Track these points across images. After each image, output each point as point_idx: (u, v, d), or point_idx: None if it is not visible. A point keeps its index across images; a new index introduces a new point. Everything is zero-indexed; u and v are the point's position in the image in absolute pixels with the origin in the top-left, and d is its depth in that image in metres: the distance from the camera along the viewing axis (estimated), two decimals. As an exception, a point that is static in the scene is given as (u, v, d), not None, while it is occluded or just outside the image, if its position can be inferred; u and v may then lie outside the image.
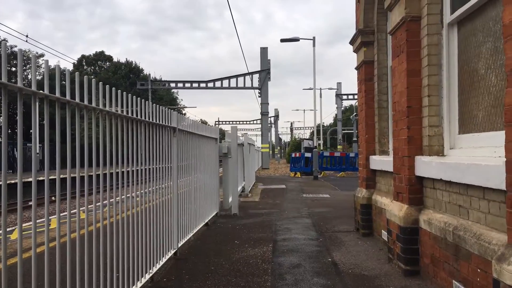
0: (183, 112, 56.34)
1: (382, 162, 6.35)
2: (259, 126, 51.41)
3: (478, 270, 3.30)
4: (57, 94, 2.63)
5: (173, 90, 64.67)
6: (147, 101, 4.29)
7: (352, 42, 7.72)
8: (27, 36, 23.12)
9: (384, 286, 4.32)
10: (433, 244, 4.17)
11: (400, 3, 4.80)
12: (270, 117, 52.92)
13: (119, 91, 3.57)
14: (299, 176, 24.16)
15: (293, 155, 26.98)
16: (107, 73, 56.32)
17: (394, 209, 4.93)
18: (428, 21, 4.48)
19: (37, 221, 2.49)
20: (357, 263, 5.19)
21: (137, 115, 4.02)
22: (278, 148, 76.18)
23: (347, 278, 4.58)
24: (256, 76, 35.29)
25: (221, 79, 35.22)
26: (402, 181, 4.81)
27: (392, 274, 4.70)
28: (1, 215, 2.13)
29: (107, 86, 3.38)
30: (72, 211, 2.93)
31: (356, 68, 7.72)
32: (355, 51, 7.64)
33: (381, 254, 5.58)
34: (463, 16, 4.09)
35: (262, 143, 36.66)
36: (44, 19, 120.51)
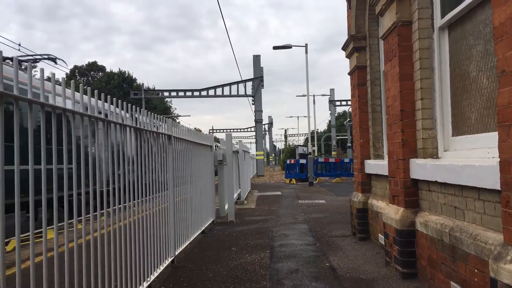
0: (177, 120, 56.33)
1: (377, 166, 6.38)
2: (253, 133, 51.48)
3: (476, 271, 3.33)
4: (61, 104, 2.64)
5: (166, 99, 64.72)
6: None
7: (344, 48, 7.78)
8: (19, 45, 23.09)
9: (383, 289, 4.33)
10: (430, 246, 4.19)
11: (391, 8, 4.87)
12: (264, 124, 53.00)
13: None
14: (294, 182, 24.18)
15: (288, 161, 26.99)
16: (100, 83, 56.22)
17: (390, 212, 4.95)
18: (419, 25, 4.54)
19: (35, 231, 2.48)
20: (354, 267, 5.20)
21: (136, 124, 4.04)
22: (273, 155, 76.22)
23: (345, 282, 4.59)
24: (249, 84, 35.41)
25: (215, 87, 35.27)
26: (398, 184, 4.84)
27: (390, 277, 4.71)
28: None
29: (114, 98, 3.40)
30: (69, 221, 2.92)
31: (349, 74, 7.79)
32: (348, 56, 7.70)
33: (378, 257, 5.59)
34: (453, 20, 4.15)
35: (256, 151, 36.69)
36: (37, 30, 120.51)
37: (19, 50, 25.23)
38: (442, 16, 4.35)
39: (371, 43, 6.99)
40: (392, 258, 4.93)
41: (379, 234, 5.97)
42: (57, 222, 2.70)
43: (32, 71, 2.62)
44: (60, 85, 2.89)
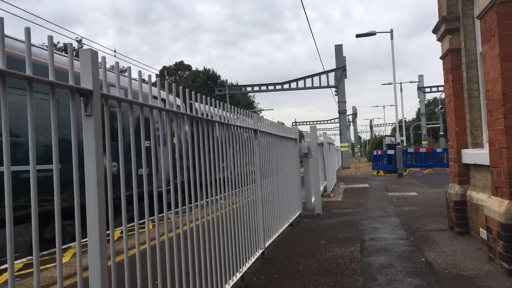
0: (261, 114, 57.25)
1: (476, 155, 5.94)
2: (337, 125, 50.58)
3: None
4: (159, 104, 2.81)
5: (249, 94, 65.95)
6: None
7: (435, 31, 7.33)
8: (115, 51, 25.09)
9: (487, 287, 4.04)
10: (542, 242, 3.82)
11: (489, -16, 4.48)
12: (348, 115, 51.71)
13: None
14: (382, 174, 23.36)
15: (374, 153, 26.14)
16: (187, 81, 58.85)
17: (493, 205, 4.59)
18: (523, 0, 4.13)
19: (128, 224, 2.67)
20: (453, 263, 4.91)
21: (225, 120, 4.19)
22: (358, 146, 74.40)
23: (444, 279, 4.35)
24: (331, 75, 34.74)
25: (297, 80, 35.14)
26: (501, 175, 4.46)
27: (495, 274, 4.37)
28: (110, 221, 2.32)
29: (198, 93, 3.55)
30: (161, 214, 3.10)
31: (441, 58, 7.32)
32: (439, 39, 7.24)
33: (480, 253, 5.22)
34: None
35: (341, 142, 35.99)
36: (131, 34, 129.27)
37: (114, 56, 27.38)
38: (551, -13, 3.91)
39: (465, 23, 6.50)
40: (496, 254, 4.57)
41: (480, 228, 5.57)
42: (158, 214, 2.88)
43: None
44: (155, 86, 3.07)
